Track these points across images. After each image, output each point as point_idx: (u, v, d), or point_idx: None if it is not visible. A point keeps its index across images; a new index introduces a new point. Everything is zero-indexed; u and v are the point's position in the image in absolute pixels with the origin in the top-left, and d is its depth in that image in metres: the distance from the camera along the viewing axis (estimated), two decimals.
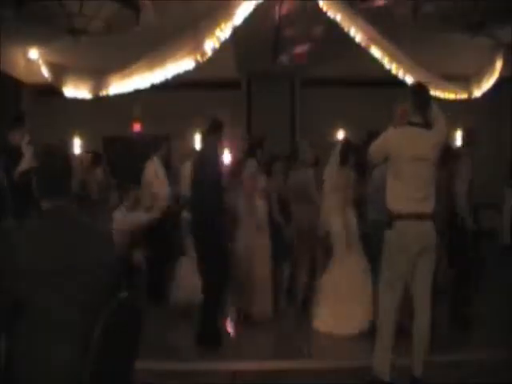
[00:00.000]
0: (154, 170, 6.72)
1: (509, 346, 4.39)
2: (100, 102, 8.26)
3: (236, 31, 6.56)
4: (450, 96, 8.37)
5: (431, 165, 3.94)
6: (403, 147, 3.92)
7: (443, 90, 8.19)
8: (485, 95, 8.68)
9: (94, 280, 2.23)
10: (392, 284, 3.86)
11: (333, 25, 6.73)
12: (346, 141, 6.00)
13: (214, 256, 4.80)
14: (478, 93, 8.61)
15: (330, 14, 6.54)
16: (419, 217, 3.82)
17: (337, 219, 5.43)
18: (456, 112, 9.28)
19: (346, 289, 5.24)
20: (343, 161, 5.53)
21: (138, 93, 7.57)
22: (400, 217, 3.82)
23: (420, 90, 4.14)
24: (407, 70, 7.40)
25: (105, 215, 5.79)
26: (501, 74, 8.60)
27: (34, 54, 8.47)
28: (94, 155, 8.24)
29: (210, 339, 4.81)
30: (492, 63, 8.61)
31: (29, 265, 2.16)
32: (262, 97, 9.97)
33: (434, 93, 8.07)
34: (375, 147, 4.07)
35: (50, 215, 2.31)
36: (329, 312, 5.24)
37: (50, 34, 7.44)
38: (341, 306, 5.21)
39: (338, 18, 6.61)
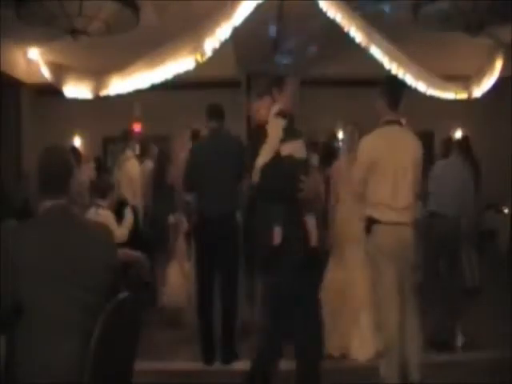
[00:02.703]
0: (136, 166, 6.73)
1: (509, 345, 4.38)
2: (100, 102, 8.26)
3: (236, 31, 6.57)
4: (450, 96, 8.38)
5: (414, 169, 3.72)
6: (381, 150, 3.70)
7: (443, 89, 8.20)
8: (485, 95, 8.68)
9: (94, 280, 2.23)
10: (387, 289, 3.70)
11: (333, 24, 6.73)
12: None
13: None
14: (477, 93, 8.61)
15: (330, 13, 6.54)
16: (397, 224, 3.67)
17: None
18: (456, 112, 9.37)
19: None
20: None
21: (138, 93, 7.58)
22: (380, 223, 3.68)
23: (395, 84, 3.92)
24: (407, 70, 7.40)
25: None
26: (501, 73, 8.60)
27: (34, 53, 8.47)
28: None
29: None
30: (492, 63, 8.60)
31: (29, 264, 2.16)
32: None
33: (434, 93, 8.10)
34: (356, 168, 3.80)
35: (50, 214, 2.32)
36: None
37: (49, 34, 7.44)
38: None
39: (338, 17, 6.60)
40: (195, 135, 7.10)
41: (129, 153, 6.79)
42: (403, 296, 3.75)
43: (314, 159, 5.95)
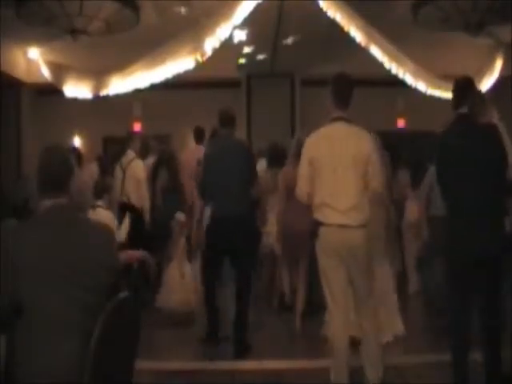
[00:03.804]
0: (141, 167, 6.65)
1: (509, 345, 4.38)
2: (100, 102, 8.27)
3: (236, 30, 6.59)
4: (450, 96, 8.37)
5: (358, 168, 3.50)
6: (322, 148, 3.54)
7: (443, 89, 8.20)
8: (485, 95, 8.67)
9: (94, 280, 2.23)
10: (335, 296, 3.57)
11: (333, 24, 6.74)
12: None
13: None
14: None
15: (330, 13, 6.55)
16: (343, 227, 3.48)
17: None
18: None
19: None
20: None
21: (138, 92, 7.58)
22: (324, 225, 3.53)
23: (342, 80, 3.66)
24: (407, 70, 7.40)
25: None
26: (501, 73, 8.61)
27: (34, 53, 8.49)
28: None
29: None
30: (492, 63, 8.61)
31: (29, 264, 2.16)
32: (261, 96, 9.97)
33: (434, 92, 8.10)
34: (301, 159, 3.68)
35: (50, 214, 2.32)
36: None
37: (50, 34, 7.45)
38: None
39: (338, 17, 6.61)
40: (199, 133, 6.97)
41: (131, 154, 6.69)
42: (356, 299, 3.63)
43: None
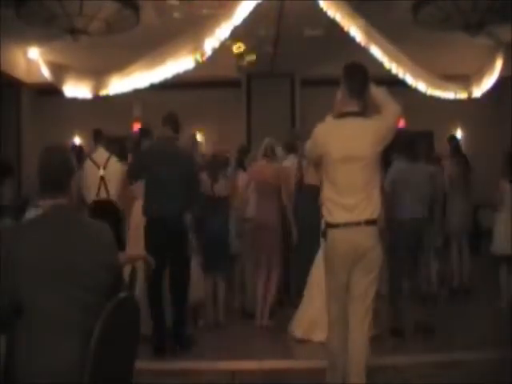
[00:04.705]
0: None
1: (509, 345, 4.38)
2: (100, 102, 8.27)
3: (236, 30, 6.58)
4: (450, 96, 8.38)
5: (367, 165, 3.31)
6: (331, 144, 3.31)
7: (443, 89, 8.20)
8: (485, 95, 8.68)
9: (94, 280, 2.23)
10: (335, 295, 3.40)
11: (333, 24, 6.75)
12: None
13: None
14: (477, 92, 8.61)
15: (330, 13, 6.55)
16: (351, 225, 3.27)
17: None
18: (456, 112, 9.38)
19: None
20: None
21: (138, 92, 7.58)
22: (331, 226, 3.34)
23: (354, 70, 3.45)
24: (407, 70, 7.41)
25: None
26: (501, 73, 8.61)
27: (34, 53, 8.49)
28: None
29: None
30: (492, 63, 8.62)
31: (29, 264, 2.16)
32: (261, 96, 9.97)
33: (434, 92, 8.10)
34: (308, 145, 3.52)
35: (51, 214, 2.32)
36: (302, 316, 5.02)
37: (50, 34, 7.46)
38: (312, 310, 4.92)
39: (338, 17, 6.61)
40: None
41: (104, 151, 6.59)
42: (353, 296, 3.36)
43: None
